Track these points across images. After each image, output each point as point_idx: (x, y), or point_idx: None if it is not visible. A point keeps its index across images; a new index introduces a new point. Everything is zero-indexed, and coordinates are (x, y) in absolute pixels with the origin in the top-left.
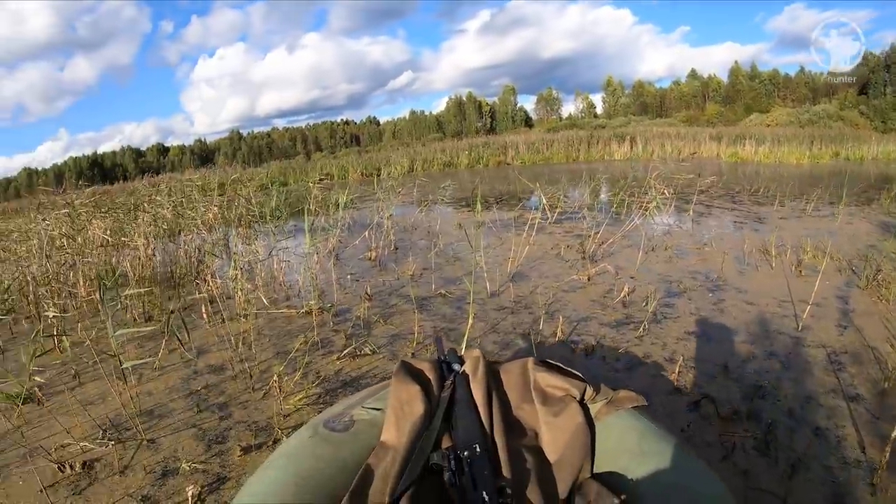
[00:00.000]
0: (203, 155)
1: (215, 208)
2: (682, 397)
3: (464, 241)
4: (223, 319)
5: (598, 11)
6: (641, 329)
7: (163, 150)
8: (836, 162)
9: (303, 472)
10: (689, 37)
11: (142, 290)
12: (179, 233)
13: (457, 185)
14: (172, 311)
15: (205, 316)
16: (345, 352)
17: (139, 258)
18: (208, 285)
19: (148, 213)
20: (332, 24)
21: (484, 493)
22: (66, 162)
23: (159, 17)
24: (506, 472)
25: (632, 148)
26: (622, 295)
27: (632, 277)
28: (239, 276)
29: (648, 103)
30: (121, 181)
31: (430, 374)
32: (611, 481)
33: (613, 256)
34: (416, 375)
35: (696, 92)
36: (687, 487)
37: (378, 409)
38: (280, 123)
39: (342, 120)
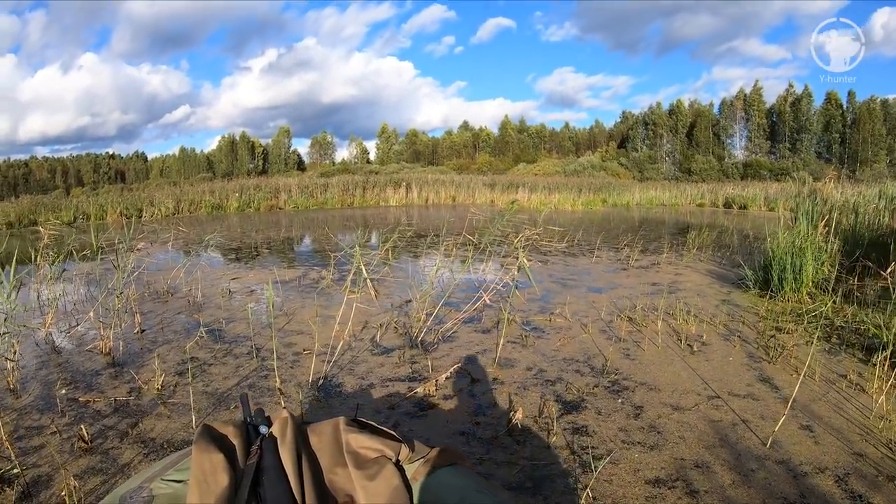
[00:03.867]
0: None
1: None
2: None
3: (237, 316)
4: None
5: (383, 61)
6: (580, 485)
7: None
8: (606, 208)
9: None
10: (464, 91)
11: None
12: None
13: (226, 233)
14: None
15: None
16: None
17: None
18: None
19: None
20: (115, 45)
21: None
22: None
23: None
24: None
25: (407, 194)
26: (504, 418)
27: (496, 380)
28: None
29: (421, 151)
30: None
31: (235, 440)
32: None
33: (452, 341)
34: (219, 441)
35: (468, 142)
36: None
37: (179, 482)
38: (42, 151)
39: (107, 153)
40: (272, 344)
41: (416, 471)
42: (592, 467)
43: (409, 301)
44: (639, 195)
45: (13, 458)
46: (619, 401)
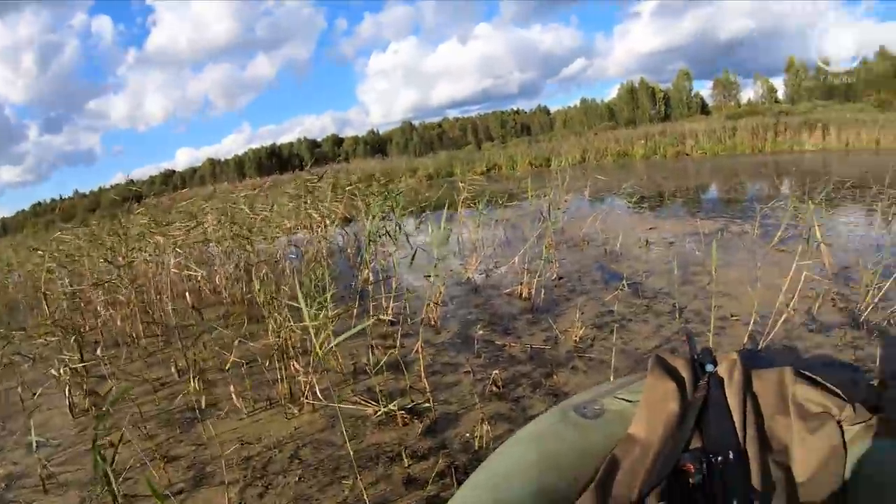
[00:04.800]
0: (375, 145)
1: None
2: None
3: (656, 270)
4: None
5: None
6: None
7: (338, 140)
8: None
9: (547, 454)
10: (877, 11)
11: None
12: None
13: (633, 181)
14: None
15: (234, 397)
16: None
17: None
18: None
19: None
20: (504, 13)
21: (735, 501)
22: (246, 153)
23: (334, 15)
24: (755, 483)
25: (824, 137)
26: None
27: None
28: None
29: (835, 86)
30: (296, 170)
31: (685, 372)
32: None
33: None
34: (671, 372)
35: (888, 73)
36: None
37: (629, 401)
38: (453, 113)
39: (512, 110)
40: (695, 304)
41: (854, 435)
42: None
43: (847, 267)
44: None
45: (427, 392)
46: None
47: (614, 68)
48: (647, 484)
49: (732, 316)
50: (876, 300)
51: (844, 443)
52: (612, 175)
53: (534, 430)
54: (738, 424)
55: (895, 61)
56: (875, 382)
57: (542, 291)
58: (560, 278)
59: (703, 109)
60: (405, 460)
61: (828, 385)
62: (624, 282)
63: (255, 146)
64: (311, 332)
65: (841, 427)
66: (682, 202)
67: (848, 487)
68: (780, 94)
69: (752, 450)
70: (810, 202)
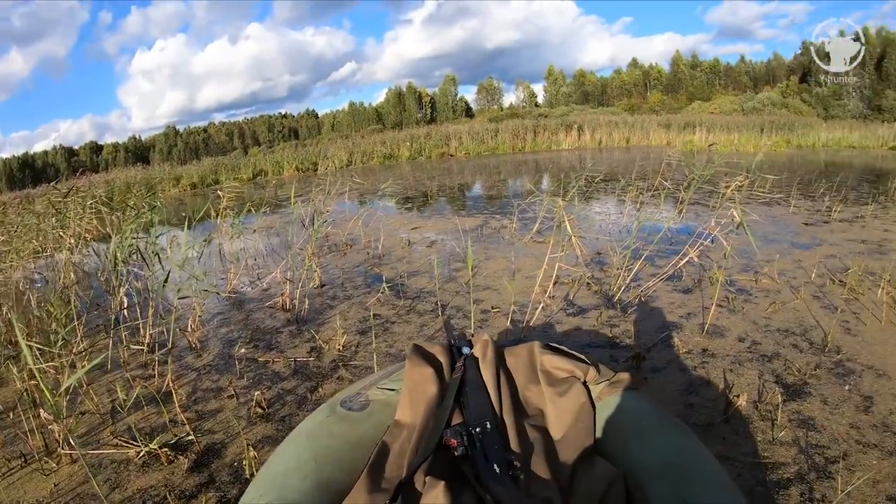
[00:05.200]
0: (137, 152)
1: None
2: None
3: (419, 269)
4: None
5: (543, 3)
6: (818, 495)
7: (96, 148)
8: (790, 150)
9: (321, 449)
10: (630, 27)
11: None
12: None
13: (399, 182)
14: None
15: None
16: None
17: None
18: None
19: None
20: (277, 14)
21: (495, 465)
22: None
23: (98, 7)
24: (514, 447)
25: (579, 137)
26: (719, 400)
27: (706, 352)
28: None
29: (590, 92)
30: (52, 183)
31: (442, 357)
32: (611, 457)
33: (652, 302)
34: (428, 358)
35: (638, 81)
36: (682, 465)
37: (392, 390)
38: (220, 117)
39: (280, 113)
40: (457, 300)
41: (601, 391)
42: (827, 473)
43: (600, 253)
44: (825, 135)
45: (187, 424)
46: (846, 388)
47: (383, 72)
48: (415, 463)
49: (494, 308)
50: (627, 281)
51: (592, 400)
52: (378, 177)
53: (305, 429)
54: (493, 397)
55: (644, 70)
56: (632, 355)
57: (305, 301)
58: (323, 285)
59: (468, 113)
60: (172, 503)
61: (572, 352)
62: (384, 284)
63: (5, 156)
64: (37, 375)
65: (587, 386)
66: (445, 201)
67: (600, 437)
68: (540, 99)
69: (508, 418)
70: (561, 197)
